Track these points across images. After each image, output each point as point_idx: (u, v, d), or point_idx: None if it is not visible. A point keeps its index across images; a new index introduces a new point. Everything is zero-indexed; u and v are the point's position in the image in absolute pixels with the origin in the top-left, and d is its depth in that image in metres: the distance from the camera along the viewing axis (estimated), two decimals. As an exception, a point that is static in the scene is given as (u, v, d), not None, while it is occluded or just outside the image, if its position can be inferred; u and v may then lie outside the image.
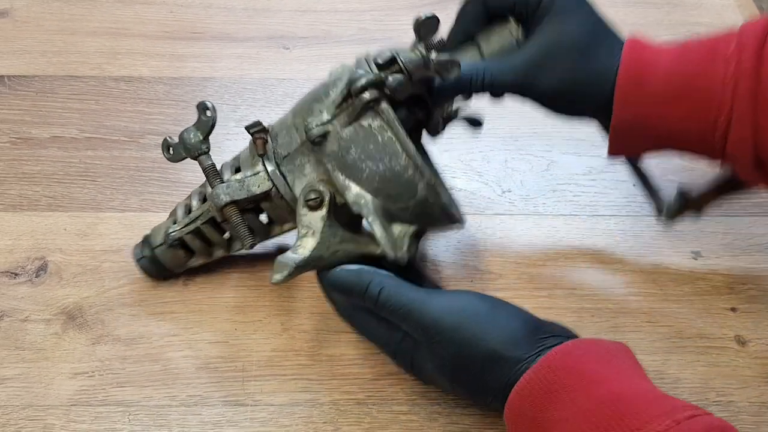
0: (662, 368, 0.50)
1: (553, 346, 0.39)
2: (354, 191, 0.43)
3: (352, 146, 0.43)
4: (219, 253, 0.51)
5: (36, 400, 0.47)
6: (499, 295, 0.44)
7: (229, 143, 0.62)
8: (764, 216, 0.60)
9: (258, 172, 0.46)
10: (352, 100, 0.42)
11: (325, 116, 0.43)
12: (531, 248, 0.57)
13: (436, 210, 0.44)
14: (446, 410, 0.47)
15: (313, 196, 0.43)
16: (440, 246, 0.57)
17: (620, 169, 0.63)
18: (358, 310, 0.44)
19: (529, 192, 0.61)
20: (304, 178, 0.45)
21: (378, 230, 0.43)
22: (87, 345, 0.50)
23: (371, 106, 0.41)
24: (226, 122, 0.65)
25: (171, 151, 0.48)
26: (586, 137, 0.66)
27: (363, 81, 0.41)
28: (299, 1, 0.75)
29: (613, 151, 0.48)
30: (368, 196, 0.43)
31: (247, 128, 0.46)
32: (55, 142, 0.63)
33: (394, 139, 0.42)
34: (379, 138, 0.42)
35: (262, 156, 0.46)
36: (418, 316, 0.41)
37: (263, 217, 0.49)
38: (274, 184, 0.45)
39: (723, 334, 0.52)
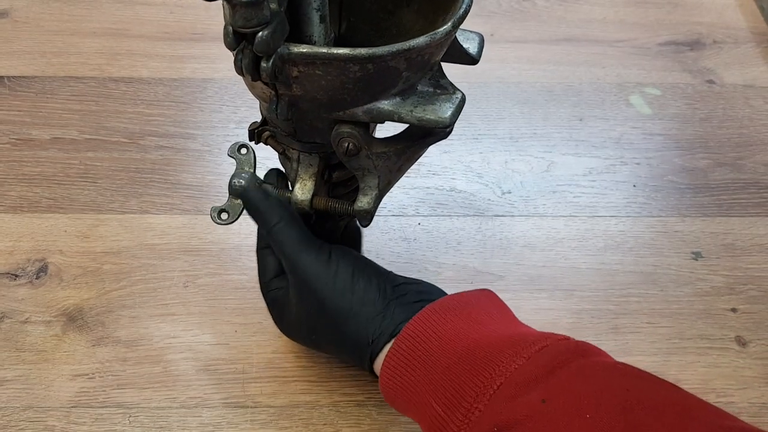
0: (662, 369, 0.50)
1: (406, 303, 0.40)
2: (362, 110, 0.39)
3: (315, 94, 0.38)
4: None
5: (36, 402, 0.47)
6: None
7: (229, 145, 0.62)
8: (764, 216, 0.60)
9: (299, 159, 0.44)
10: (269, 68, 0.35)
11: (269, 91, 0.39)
12: (531, 249, 0.57)
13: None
14: (446, 412, 0.47)
15: (345, 144, 0.40)
16: (440, 247, 0.57)
17: (620, 170, 0.63)
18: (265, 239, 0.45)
19: (529, 193, 0.61)
20: (323, 132, 0.41)
21: (410, 116, 0.38)
22: (87, 347, 0.50)
23: (283, 60, 0.35)
24: (226, 124, 0.65)
25: (224, 216, 0.45)
26: (586, 138, 0.66)
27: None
28: (299, 1, 0.75)
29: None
30: (376, 105, 0.38)
31: (255, 141, 0.45)
32: (55, 143, 0.63)
33: (324, 60, 0.36)
34: (317, 71, 0.36)
35: (284, 151, 0.44)
36: (293, 262, 0.42)
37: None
38: (318, 154, 0.43)
39: (723, 335, 0.52)
